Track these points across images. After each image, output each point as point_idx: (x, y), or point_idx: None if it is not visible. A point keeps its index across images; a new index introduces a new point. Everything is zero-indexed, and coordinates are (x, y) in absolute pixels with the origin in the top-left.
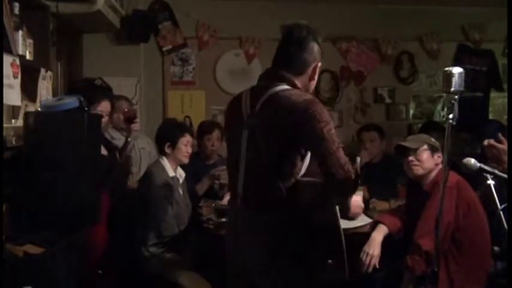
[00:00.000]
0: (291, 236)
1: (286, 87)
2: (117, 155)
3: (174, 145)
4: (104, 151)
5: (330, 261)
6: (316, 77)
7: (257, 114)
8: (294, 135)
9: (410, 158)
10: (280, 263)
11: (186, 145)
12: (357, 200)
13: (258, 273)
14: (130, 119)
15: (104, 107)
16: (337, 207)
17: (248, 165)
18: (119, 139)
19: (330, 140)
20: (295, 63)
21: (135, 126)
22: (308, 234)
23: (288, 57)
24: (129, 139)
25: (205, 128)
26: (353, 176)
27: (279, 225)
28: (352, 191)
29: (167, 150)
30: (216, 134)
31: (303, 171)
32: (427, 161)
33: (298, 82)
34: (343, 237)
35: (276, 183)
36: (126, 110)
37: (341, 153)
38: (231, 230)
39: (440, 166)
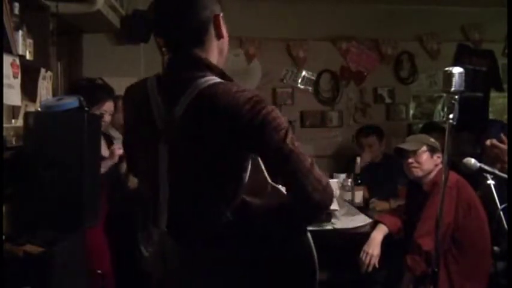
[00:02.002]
0: (249, 279)
1: (213, 79)
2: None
3: None
4: (104, 151)
5: None
6: (225, 34)
7: (180, 123)
8: (241, 148)
9: (410, 160)
10: None
11: None
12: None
13: None
14: None
15: (108, 107)
16: (309, 236)
17: (174, 188)
18: (118, 139)
19: (299, 154)
20: (194, 31)
21: None
22: (272, 275)
23: (179, 22)
24: None
25: None
26: (332, 199)
27: (228, 264)
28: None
29: None
30: None
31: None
32: (426, 162)
33: (213, 59)
34: (317, 275)
35: (216, 207)
36: None
37: (317, 170)
38: (161, 265)
39: (440, 166)
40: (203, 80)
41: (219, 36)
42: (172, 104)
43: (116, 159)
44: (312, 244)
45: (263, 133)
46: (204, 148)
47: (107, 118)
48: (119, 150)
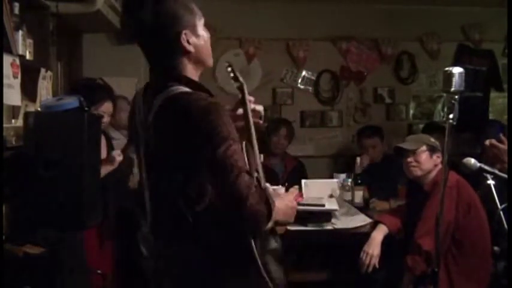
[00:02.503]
0: (203, 275)
1: (179, 88)
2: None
3: None
4: (103, 152)
5: None
6: (194, 47)
7: (151, 128)
8: (195, 154)
9: (409, 159)
10: None
11: None
12: (284, 199)
13: None
14: None
15: (106, 107)
16: (252, 241)
17: (151, 191)
18: (118, 139)
19: (229, 164)
20: (160, 47)
21: None
22: (221, 273)
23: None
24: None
25: None
26: (265, 211)
27: (188, 261)
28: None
29: None
30: None
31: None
32: (425, 162)
33: (185, 70)
34: (265, 277)
35: (180, 209)
36: (127, 107)
37: (243, 179)
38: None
39: (439, 166)
40: (170, 89)
41: (185, 52)
42: (148, 110)
43: (116, 165)
44: (254, 248)
45: (204, 141)
46: (168, 153)
47: (105, 119)
48: (119, 157)
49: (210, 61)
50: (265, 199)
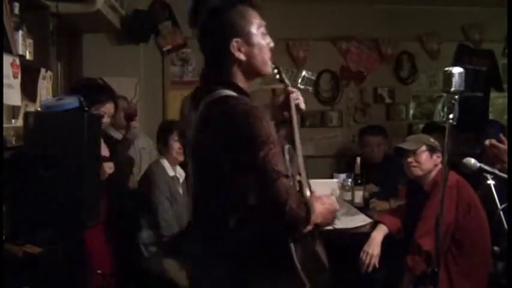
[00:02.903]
0: (242, 280)
1: (224, 92)
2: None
3: (165, 143)
4: (105, 152)
5: None
6: (247, 55)
7: (195, 130)
8: (234, 155)
9: (409, 159)
10: None
11: (176, 141)
12: (324, 202)
13: None
14: (131, 116)
15: (107, 108)
16: (292, 245)
17: (194, 192)
18: (119, 139)
19: (268, 169)
20: (212, 54)
21: (134, 123)
22: (260, 276)
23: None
24: (128, 135)
25: None
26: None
27: (228, 265)
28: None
29: (162, 150)
30: None
31: None
32: (426, 162)
33: (234, 76)
34: (304, 281)
35: (219, 213)
36: (127, 106)
37: (282, 184)
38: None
39: (439, 166)
40: (215, 92)
41: (235, 59)
42: (195, 113)
43: (105, 176)
44: (293, 251)
45: (244, 145)
46: (210, 155)
47: (106, 119)
48: (109, 170)
49: (265, 69)
50: (305, 202)
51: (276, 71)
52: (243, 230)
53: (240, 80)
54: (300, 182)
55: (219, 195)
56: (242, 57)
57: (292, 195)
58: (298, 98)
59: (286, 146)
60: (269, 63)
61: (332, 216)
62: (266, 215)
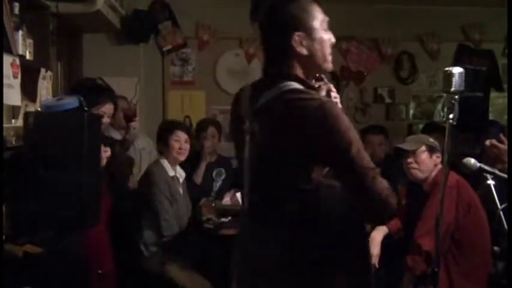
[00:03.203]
0: (306, 257)
1: (293, 84)
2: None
3: (165, 143)
4: (106, 153)
5: None
6: (318, 35)
7: (259, 114)
8: (305, 148)
9: (409, 160)
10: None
11: (177, 141)
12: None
13: None
14: (130, 117)
15: (107, 109)
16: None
17: (253, 174)
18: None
19: (363, 166)
20: (275, 48)
21: (133, 123)
22: (329, 257)
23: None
24: (127, 136)
25: (201, 126)
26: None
27: (292, 242)
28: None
29: (162, 150)
30: (211, 131)
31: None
32: (425, 162)
33: (297, 69)
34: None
35: (285, 194)
36: (126, 107)
37: (378, 178)
38: (239, 246)
39: (439, 166)
40: (280, 85)
41: (296, 54)
42: (257, 98)
43: (104, 162)
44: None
45: (325, 141)
46: (274, 144)
47: (105, 119)
48: (106, 154)
49: (326, 65)
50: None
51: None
52: (311, 211)
53: (300, 75)
54: None
55: (285, 178)
56: (304, 51)
57: (387, 189)
58: (336, 97)
59: None
60: (329, 59)
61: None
62: (366, 210)
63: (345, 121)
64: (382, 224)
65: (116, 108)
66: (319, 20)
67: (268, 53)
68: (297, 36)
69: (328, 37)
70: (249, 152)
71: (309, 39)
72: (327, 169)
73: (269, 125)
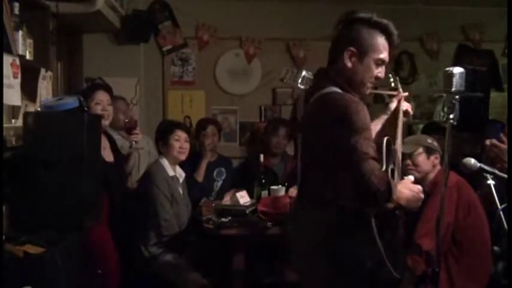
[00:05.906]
0: (334, 237)
1: (333, 88)
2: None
3: (166, 143)
4: (108, 156)
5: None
6: (367, 62)
7: (306, 117)
8: (334, 139)
9: (407, 162)
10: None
11: (177, 140)
12: (411, 188)
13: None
14: (130, 129)
15: (99, 96)
16: (372, 221)
17: (303, 168)
18: (118, 139)
19: (358, 150)
20: (332, 55)
21: (136, 137)
22: (345, 236)
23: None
24: (131, 148)
25: (201, 125)
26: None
27: (329, 223)
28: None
29: (162, 149)
30: (210, 129)
31: None
32: (422, 164)
33: (339, 79)
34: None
35: (327, 181)
36: (126, 120)
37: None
38: (290, 232)
39: (438, 167)
40: (327, 88)
41: (343, 65)
42: (307, 102)
43: (107, 121)
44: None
45: (342, 131)
46: (315, 139)
47: (100, 107)
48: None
49: (360, 89)
50: (388, 182)
51: (392, 79)
52: (342, 196)
53: (340, 83)
54: (392, 170)
55: (321, 171)
56: (349, 64)
57: (375, 172)
58: (408, 105)
59: (385, 138)
60: (367, 87)
61: (416, 202)
62: (354, 188)
63: (364, 119)
64: (376, 205)
65: (115, 109)
66: (376, 51)
67: (328, 60)
68: (349, 50)
69: (378, 70)
70: (301, 146)
71: (358, 58)
72: None
73: (311, 122)
